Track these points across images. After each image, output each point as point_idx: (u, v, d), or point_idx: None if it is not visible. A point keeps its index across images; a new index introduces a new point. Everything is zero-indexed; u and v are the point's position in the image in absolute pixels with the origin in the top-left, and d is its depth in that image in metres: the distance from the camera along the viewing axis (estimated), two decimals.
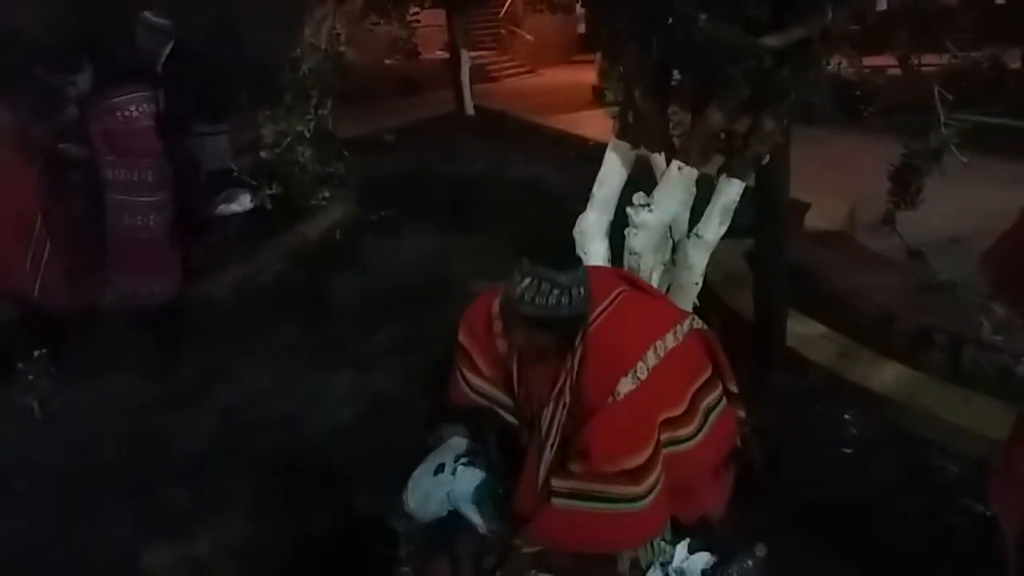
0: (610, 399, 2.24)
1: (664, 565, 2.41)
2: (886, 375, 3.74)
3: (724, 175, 3.18)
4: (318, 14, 6.48)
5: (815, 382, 3.88)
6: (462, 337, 2.59)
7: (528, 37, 19.95)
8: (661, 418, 2.32)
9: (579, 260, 2.33)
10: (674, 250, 3.42)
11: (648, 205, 3.13)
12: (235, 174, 5.85)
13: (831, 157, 7.20)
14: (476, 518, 2.49)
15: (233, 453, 3.73)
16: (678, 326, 2.41)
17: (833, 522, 2.95)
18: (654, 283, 3.26)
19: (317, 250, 6.44)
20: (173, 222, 4.53)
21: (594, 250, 3.37)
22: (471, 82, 12.84)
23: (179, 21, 5.60)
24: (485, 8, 17.41)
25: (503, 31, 20.66)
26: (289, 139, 6.26)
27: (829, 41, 2.73)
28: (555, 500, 2.28)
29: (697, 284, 3.32)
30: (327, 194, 6.73)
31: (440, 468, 2.61)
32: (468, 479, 2.56)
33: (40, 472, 3.56)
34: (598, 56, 11.90)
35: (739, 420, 2.62)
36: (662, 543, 2.44)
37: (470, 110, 12.57)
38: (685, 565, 2.39)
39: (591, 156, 3.58)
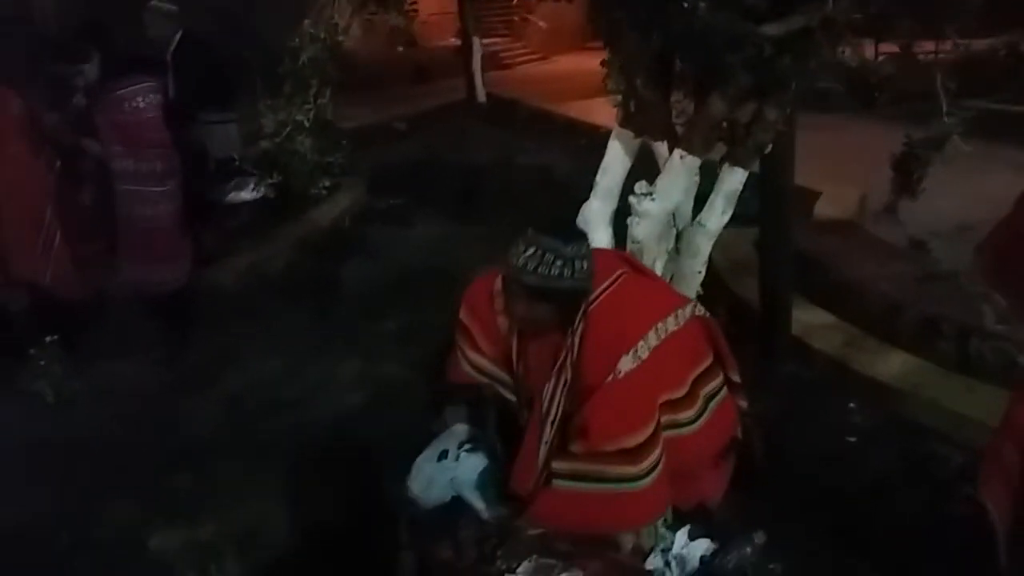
0: (610, 377, 2.24)
1: (664, 551, 2.42)
2: (891, 364, 3.73)
3: (727, 164, 3.18)
4: (318, 3, 6.48)
5: (820, 371, 3.88)
6: (463, 315, 2.60)
7: (541, 24, 19.88)
8: (661, 399, 2.32)
9: (584, 234, 2.30)
10: (678, 239, 3.42)
11: (650, 194, 3.13)
12: (237, 163, 5.88)
13: (844, 145, 7.15)
14: (479, 504, 2.50)
15: (240, 439, 3.77)
16: (679, 310, 2.40)
17: (836, 511, 2.95)
18: (657, 272, 3.26)
19: (327, 238, 6.45)
20: (182, 211, 4.56)
21: (597, 238, 3.37)
22: (484, 69, 12.80)
23: (188, 7, 5.64)
24: None
25: (516, 18, 20.60)
26: (289, 129, 6.28)
27: (830, 29, 2.71)
28: (556, 482, 2.29)
29: (700, 273, 3.32)
30: (328, 183, 6.75)
31: (444, 454, 2.62)
32: (471, 465, 2.57)
33: (51, 456, 3.62)
34: None
35: (741, 411, 2.62)
36: (662, 529, 2.45)
37: (482, 98, 12.53)
38: (685, 552, 2.40)
39: (602, 144, 3.57)
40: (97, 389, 4.22)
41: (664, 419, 2.33)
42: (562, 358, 2.30)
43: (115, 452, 3.64)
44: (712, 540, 2.40)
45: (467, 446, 2.64)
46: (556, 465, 2.29)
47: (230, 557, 2.99)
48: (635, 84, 3.25)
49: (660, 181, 3.18)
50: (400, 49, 12.10)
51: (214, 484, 3.43)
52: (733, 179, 3.18)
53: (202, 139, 5.54)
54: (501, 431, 2.64)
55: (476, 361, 2.57)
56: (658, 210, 3.16)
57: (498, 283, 2.48)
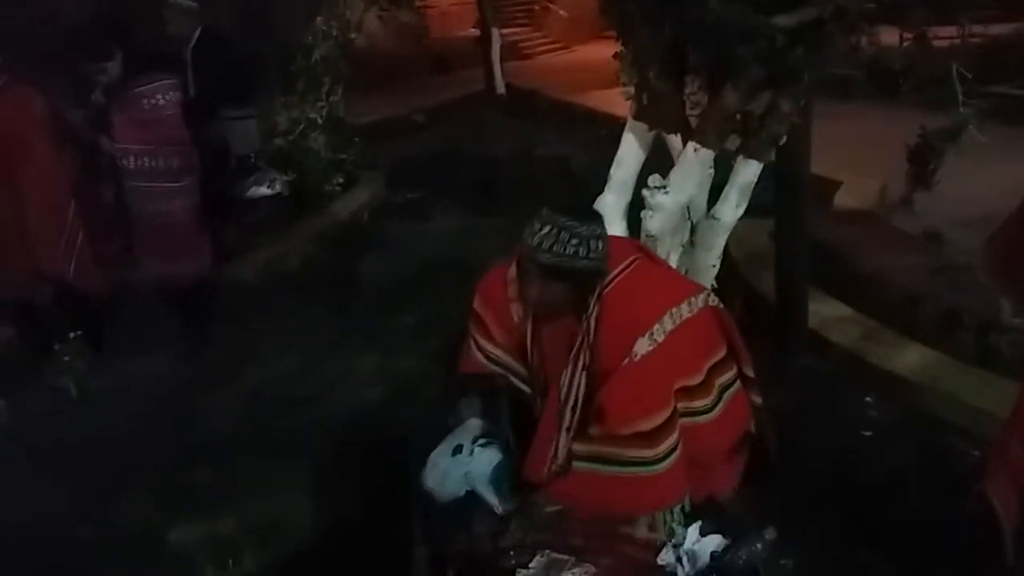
0: (626, 360, 2.23)
1: (676, 547, 2.42)
2: (909, 358, 3.70)
3: (741, 156, 3.16)
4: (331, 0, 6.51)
5: (837, 364, 3.85)
6: (477, 305, 2.60)
7: (562, 13, 19.79)
8: (677, 385, 2.31)
9: (599, 215, 2.29)
10: (692, 232, 3.41)
11: (664, 187, 3.12)
12: (253, 160, 5.92)
13: (866, 133, 7.07)
14: (492, 498, 2.50)
15: (259, 434, 3.81)
16: (693, 298, 2.39)
17: (850, 505, 2.94)
18: (672, 265, 3.25)
19: (345, 232, 6.49)
20: (199, 206, 4.61)
21: (611, 231, 3.36)
22: (504, 60, 12.78)
23: (207, 4, 5.68)
24: None
25: (536, 7, 20.53)
26: (303, 126, 6.31)
27: (843, 20, 2.68)
28: (575, 463, 2.30)
29: (715, 266, 3.31)
30: (341, 180, 6.78)
31: (458, 449, 2.63)
32: (485, 460, 2.57)
33: (74, 450, 3.67)
34: None
35: (755, 407, 2.61)
36: (673, 525, 2.45)
37: (501, 89, 12.51)
38: (696, 547, 2.39)
39: (621, 135, 3.57)
40: (119, 384, 4.29)
41: (680, 406, 2.33)
42: (578, 343, 2.29)
43: (136, 447, 3.70)
44: (724, 536, 2.40)
45: (481, 441, 2.65)
46: (575, 447, 2.30)
47: (248, 551, 3.03)
48: (648, 77, 3.24)
49: (674, 174, 3.17)
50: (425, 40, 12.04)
51: (233, 479, 3.47)
52: (747, 172, 3.17)
53: (223, 135, 5.60)
54: (514, 422, 2.65)
55: (490, 351, 2.57)
56: (672, 203, 3.15)
57: (512, 271, 2.48)
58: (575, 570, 2.25)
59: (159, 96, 4.40)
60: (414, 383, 4.11)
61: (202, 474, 3.51)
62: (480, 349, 2.59)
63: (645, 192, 3.18)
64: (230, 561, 2.98)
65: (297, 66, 6.44)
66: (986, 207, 4.54)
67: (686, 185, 3.15)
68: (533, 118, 10.94)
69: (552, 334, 2.41)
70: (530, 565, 2.30)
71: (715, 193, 3.38)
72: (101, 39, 4.49)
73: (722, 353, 2.47)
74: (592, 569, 2.25)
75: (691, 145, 3.11)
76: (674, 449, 2.27)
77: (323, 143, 6.50)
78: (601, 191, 3.52)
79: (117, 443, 3.73)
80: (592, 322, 2.27)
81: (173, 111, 4.43)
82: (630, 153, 3.45)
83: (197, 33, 5.61)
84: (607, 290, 2.27)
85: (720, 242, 3.26)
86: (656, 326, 2.25)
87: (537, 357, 2.49)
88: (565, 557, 2.29)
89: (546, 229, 2.13)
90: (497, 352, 2.56)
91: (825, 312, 4.12)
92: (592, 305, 2.26)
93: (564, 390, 2.36)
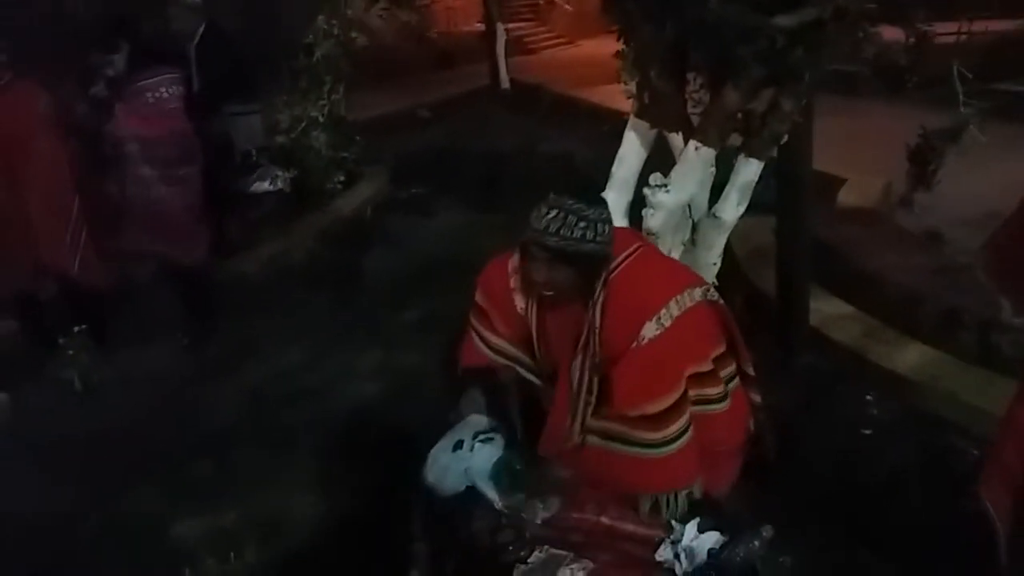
0: (634, 344, 2.26)
1: (674, 543, 2.43)
2: (910, 356, 3.69)
3: (742, 155, 3.16)
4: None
5: (837, 362, 3.85)
6: (479, 297, 2.61)
7: (567, 7, 19.76)
8: (688, 372, 2.33)
9: (604, 200, 2.30)
10: (693, 230, 3.42)
11: (665, 186, 3.13)
12: (254, 158, 5.94)
13: (871, 130, 7.07)
14: (492, 494, 2.52)
15: (262, 428, 3.83)
16: (696, 288, 2.41)
17: (849, 504, 2.94)
18: None
19: (349, 228, 6.51)
20: (200, 197, 4.63)
21: None
22: (509, 55, 12.78)
23: (211, 1, 5.69)
24: None
25: (541, 2, 20.49)
26: (304, 124, 6.33)
27: (843, 20, 2.68)
28: (588, 438, 2.33)
29: (715, 264, 3.32)
30: (342, 178, 6.80)
31: (459, 445, 2.64)
32: (486, 455, 2.58)
33: (78, 444, 3.70)
34: None
35: (754, 405, 2.62)
36: (673, 521, 2.47)
37: (505, 84, 12.51)
38: (694, 544, 2.40)
39: (624, 131, 3.58)
40: (123, 378, 4.32)
41: (694, 394, 2.34)
42: (585, 332, 2.30)
43: (140, 440, 3.73)
44: (721, 533, 2.42)
45: (482, 436, 2.66)
46: (589, 423, 2.33)
47: (250, 545, 3.04)
48: (650, 75, 3.25)
49: (675, 172, 3.18)
50: (434, 34, 12.06)
51: (235, 473, 3.49)
52: (748, 171, 3.17)
53: (226, 130, 5.62)
54: (522, 413, 2.66)
55: (494, 342, 2.58)
56: (673, 202, 3.16)
57: (513, 262, 2.49)
58: (573, 566, 2.26)
59: (163, 89, 4.42)
60: (416, 379, 4.12)
61: (204, 467, 3.53)
62: (484, 341, 2.60)
63: (646, 190, 3.19)
64: (232, 554, 2.99)
65: (299, 64, 6.46)
66: (987, 206, 4.56)
67: (687, 183, 3.16)
68: (537, 114, 10.91)
69: (557, 322, 2.42)
70: (529, 560, 2.31)
71: (716, 192, 3.38)
72: (108, 32, 4.51)
73: (723, 348, 2.49)
74: (590, 565, 2.26)
75: (692, 144, 3.11)
76: (682, 434, 2.28)
77: (324, 141, 6.52)
78: (603, 187, 3.52)
79: (121, 437, 3.76)
80: (598, 308, 2.29)
81: (176, 104, 4.45)
82: (632, 151, 3.46)
83: (201, 29, 5.63)
84: (613, 275, 2.29)
85: (721, 241, 3.27)
86: (663, 311, 2.26)
87: (543, 345, 2.50)
88: (564, 553, 2.31)
89: (553, 212, 2.13)
90: (501, 343, 2.57)
91: (826, 310, 4.12)
92: (598, 291, 2.28)
93: (575, 379, 2.37)
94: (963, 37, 7.98)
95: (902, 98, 7.62)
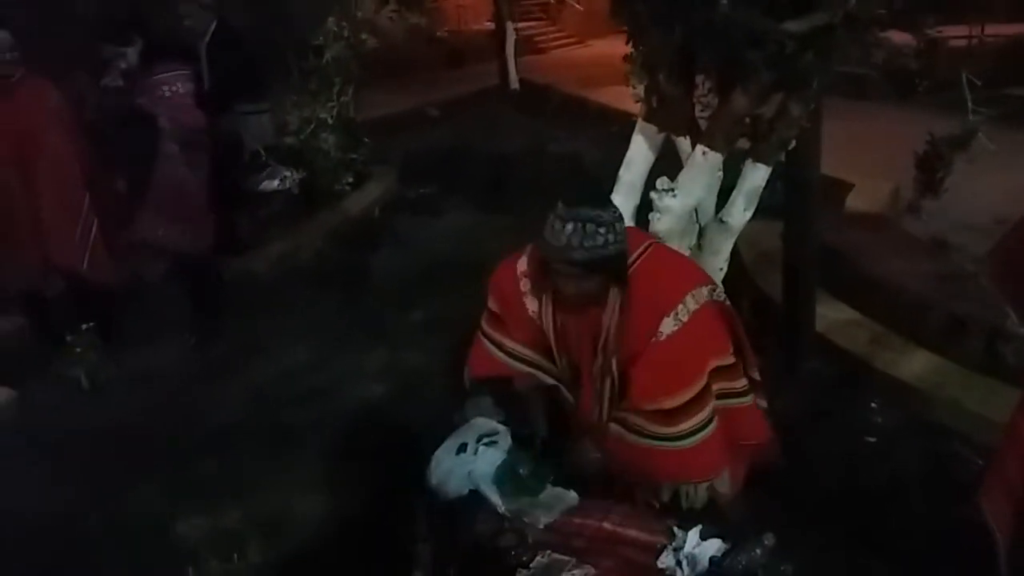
0: (653, 340, 2.26)
1: (676, 550, 2.43)
2: (915, 364, 3.68)
3: (750, 160, 3.16)
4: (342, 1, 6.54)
5: (843, 368, 3.84)
6: (492, 302, 2.60)
7: (578, 7, 19.72)
8: (711, 365, 2.34)
9: (607, 195, 2.32)
10: (700, 235, 3.42)
11: (672, 190, 3.12)
12: (263, 158, 5.96)
13: (881, 134, 7.03)
14: (495, 498, 2.52)
15: (267, 427, 3.84)
16: (703, 287, 2.42)
17: (852, 511, 2.93)
18: None
19: (357, 227, 6.52)
20: (210, 187, 4.65)
21: None
22: (519, 54, 12.77)
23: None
24: None
25: (552, 1, 20.47)
26: (313, 126, 6.34)
27: (854, 26, 2.67)
28: (611, 426, 2.37)
29: (722, 270, 3.32)
30: (351, 180, 6.82)
31: (463, 447, 2.65)
32: (489, 459, 2.59)
33: (84, 441, 3.72)
34: None
35: (762, 410, 2.62)
36: (674, 528, 2.47)
37: (515, 84, 12.50)
38: (696, 551, 2.41)
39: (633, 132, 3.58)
40: (130, 376, 4.34)
41: (720, 387, 2.36)
42: (605, 331, 2.33)
43: (145, 438, 3.74)
44: (724, 540, 2.42)
45: (486, 440, 2.67)
46: (612, 412, 2.39)
47: (253, 545, 3.05)
48: (658, 79, 3.24)
49: (682, 177, 3.18)
50: (445, 33, 12.09)
51: (240, 472, 3.49)
52: (756, 176, 3.17)
53: (236, 128, 5.64)
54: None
55: (513, 348, 2.58)
56: (680, 206, 3.16)
57: (521, 265, 2.49)
58: (575, 571, 2.26)
59: (177, 85, 4.45)
60: (422, 380, 4.13)
61: (209, 466, 3.54)
62: (501, 348, 2.59)
63: (653, 194, 3.19)
64: (235, 554, 3.00)
65: (309, 65, 6.49)
66: (995, 212, 4.56)
67: (694, 188, 3.15)
68: (545, 114, 10.91)
69: (575, 323, 2.43)
70: (531, 565, 2.31)
71: (724, 196, 3.38)
72: (122, 25, 4.54)
73: (731, 350, 2.50)
74: (592, 571, 2.26)
75: (700, 148, 3.11)
76: (701, 428, 2.30)
77: (333, 143, 6.55)
78: (611, 188, 3.53)
79: (126, 435, 3.77)
80: (617, 307, 2.30)
81: (188, 100, 4.48)
82: (639, 155, 3.46)
83: (212, 27, 5.65)
84: (630, 271, 2.30)
85: (728, 246, 3.27)
86: (680, 306, 2.28)
87: (562, 348, 2.50)
88: (566, 558, 2.31)
89: (571, 227, 2.13)
90: (520, 348, 2.57)
91: (832, 316, 4.11)
92: (617, 290, 2.29)
93: (598, 379, 2.39)
94: (974, 41, 7.95)
95: (912, 102, 7.63)
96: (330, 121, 6.50)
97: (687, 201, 3.15)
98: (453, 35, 16.29)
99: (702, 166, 3.12)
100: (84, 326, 4.27)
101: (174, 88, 4.47)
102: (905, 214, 4.97)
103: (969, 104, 3.64)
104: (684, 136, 3.40)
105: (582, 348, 2.44)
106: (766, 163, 3.15)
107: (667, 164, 3.55)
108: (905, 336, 3.88)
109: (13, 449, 3.67)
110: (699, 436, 2.29)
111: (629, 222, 3.50)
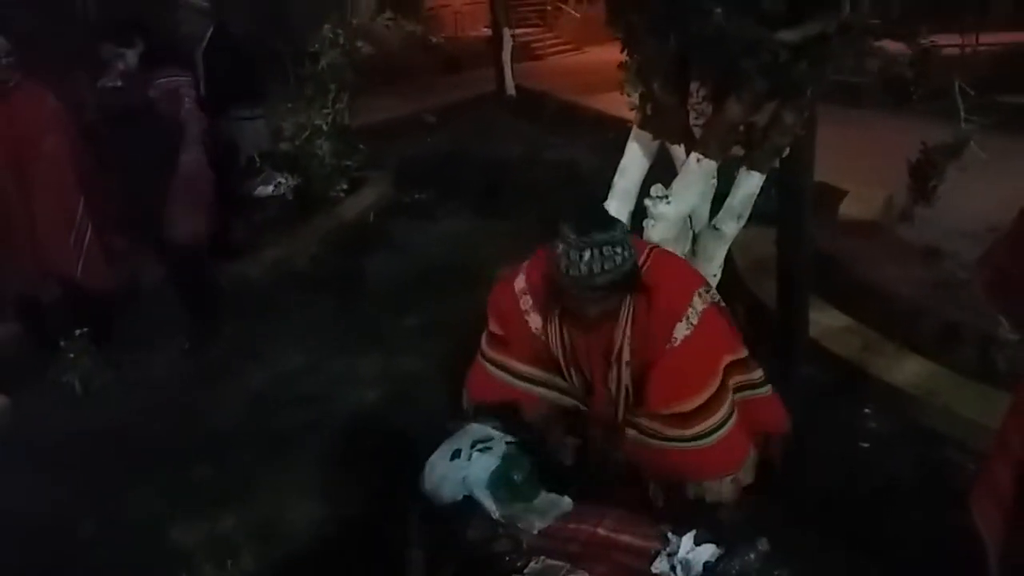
0: (668, 346, 2.28)
1: (670, 555, 2.44)
2: (908, 370, 3.69)
3: (744, 168, 3.18)
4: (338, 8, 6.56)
5: (836, 375, 3.85)
6: (493, 325, 2.60)
7: (574, 14, 19.81)
8: (726, 360, 2.36)
9: (606, 210, 2.36)
10: (694, 241, 3.43)
11: (666, 197, 3.14)
12: (258, 164, 5.97)
13: (875, 142, 7.07)
14: (489, 504, 2.53)
15: (262, 432, 3.83)
16: (704, 286, 2.45)
17: (846, 517, 2.93)
18: None
19: (352, 232, 6.52)
20: (205, 182, 4.64)
21: None
22: (515, 60, 12.79)
23: (220, 4, 5.73)
24: None
25: (549, 7, 20.55)
26: (308, 132, 6.36)
27: (848, 35, 2.69)
28: (628, 431, 2.43)
29: (716, 276, 3.33)
30: (345, 186, 6.84)
31: (457, 453, 2.66)
32: (483, 465, 2.60)
33: (78, 447, 3.71)
34: None
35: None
36: (668, 533, 2.48)
37: (511, 90, 12.52)
38: (690, 556, 2.41)
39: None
40: (125, 381, 4.33)
41: (737, 380, 2.38)
42: (618, 343, 2.36)
43: (140, 444, 3.73)
44: (718, 546, 2.42)
45: (480, 446, 2.68)
46: (628, 417, 2.44)
47: (248, 551, 3.05)
48: (653, 87, 3.26)
49: (676, 184, 3.20)
50: (441, 39, 12.13)
51: (235, 478, 3.48)
52: (750, 183, 3.19)
53: (232, 134, 5.65)
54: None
55: (522, 370, 2.58)
56: (674, 213, 3.17)
57: (520, 283, 2.50)
58: None
59: (181, 89, 4.46)
60: (417, 385, 4.12)
61: (204, 472, 3.53)
62: (509, 371, 2.60)
63: (647, 201, 3.20)
64: (229, 561, 2.99)
65: (304, 72, 6.51)
66: (988, 219, 4.58)
67: (688, 195, 3.17)
68: (541, 121, 10.93)
69: (585, 338, 2.44)
70: (525, 571, 2.32)
71: (718, 203, 3.40)
72: (123, 27, 4.54)
73: (741, 342, 2.53)
74: None
75: (694, 155, 3.13)
76: (719, 427, 2.34)
77: (328, 150, 6.55)
78: (605, 195, 3.54)
79: (121, 440, 3.76)
80: (628, 317, 2.32)
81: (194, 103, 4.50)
82: (634, 162, 3.47)
83: (209, 32, 5.66)
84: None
85: (721, 253, 3.28)
86: (690, 310, 2.33)
87: (572, 364, 2.50)
88: (560, 563, 2.32)
89: (587, 254, 2.16)
90: (530, 370, 2.58)
91: (826, 322, 4.13)
92: (627, 301, 2.32)
93: (612, 390, 2.40)
94: (967, 50, 7.99)
95: (905, 110, 7.65)
96: (325, 127, 6.51)
97: (681, 208, 3.17)
98: (450, 41, 16.34)
99: (696, 173, 3.13)
100: (78, 332, 4.25)
101: (174, 92, 4.47)
102: (898, 221, 4.99)
103: (962, 112, 3.67)
104: (679, 143, 3.42)
105: (592, 360, 2.46)
106: (760, 170, 3.16)
107: (662, 171, 3.57)
108: (898, 342, 3.90)
109: (7, 455, 3.66)
110: (717, 434, 2.34)
111: None
